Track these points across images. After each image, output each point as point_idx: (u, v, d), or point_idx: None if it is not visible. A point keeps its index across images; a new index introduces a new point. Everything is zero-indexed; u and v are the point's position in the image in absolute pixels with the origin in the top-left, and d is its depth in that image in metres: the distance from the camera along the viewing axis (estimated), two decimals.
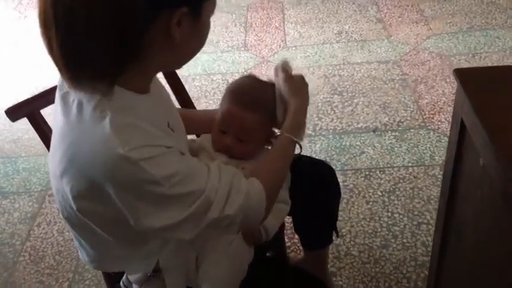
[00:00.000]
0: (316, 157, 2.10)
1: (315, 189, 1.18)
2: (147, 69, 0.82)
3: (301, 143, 1.00)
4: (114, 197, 0.78)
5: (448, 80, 2.45)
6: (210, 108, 2.34)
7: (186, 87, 1.41)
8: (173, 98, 1.17)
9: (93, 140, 0.76)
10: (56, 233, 1.93)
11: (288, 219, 1.41)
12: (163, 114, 0.91)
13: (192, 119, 1.19)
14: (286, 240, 1.68)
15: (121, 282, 1.06)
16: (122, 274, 1.07)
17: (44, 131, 1.13)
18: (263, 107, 1.04)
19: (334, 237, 1.36)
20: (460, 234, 0.94)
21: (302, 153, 1.05)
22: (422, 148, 2.08)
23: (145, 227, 0.81)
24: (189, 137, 1.12)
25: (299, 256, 1.63)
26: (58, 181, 0.83)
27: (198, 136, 1.28)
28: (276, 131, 1.08)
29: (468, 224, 0.91)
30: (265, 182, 0.91)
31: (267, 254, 1.28)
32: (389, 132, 2.18)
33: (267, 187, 0.91)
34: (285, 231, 1.54)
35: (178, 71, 1.32)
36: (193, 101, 1.42)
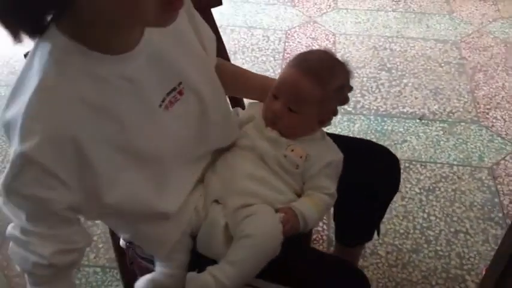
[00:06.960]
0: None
1: (371, 181, 1.02)
2: (84, 18, 0.63)
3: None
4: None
5: (510, 72, 2.20)
6: (245, 65, 2.15)
7: (224, 38, 1.24)
8: None
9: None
10: None
11: None
12: (166, 76, 0.76)
13: (246, 78, 1.09)
14: None
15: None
16: None
17: None
18: (328, 84, 0.92)
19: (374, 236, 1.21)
20: None
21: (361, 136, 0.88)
22: (472, 146, 1.88)
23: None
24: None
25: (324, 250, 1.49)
26: None
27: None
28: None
29: None
30: None
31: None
32: (438, 122, 1.97)
33: None
34: None
35: (216, 19, 1.16)
36: (229, 55, 1.25)
